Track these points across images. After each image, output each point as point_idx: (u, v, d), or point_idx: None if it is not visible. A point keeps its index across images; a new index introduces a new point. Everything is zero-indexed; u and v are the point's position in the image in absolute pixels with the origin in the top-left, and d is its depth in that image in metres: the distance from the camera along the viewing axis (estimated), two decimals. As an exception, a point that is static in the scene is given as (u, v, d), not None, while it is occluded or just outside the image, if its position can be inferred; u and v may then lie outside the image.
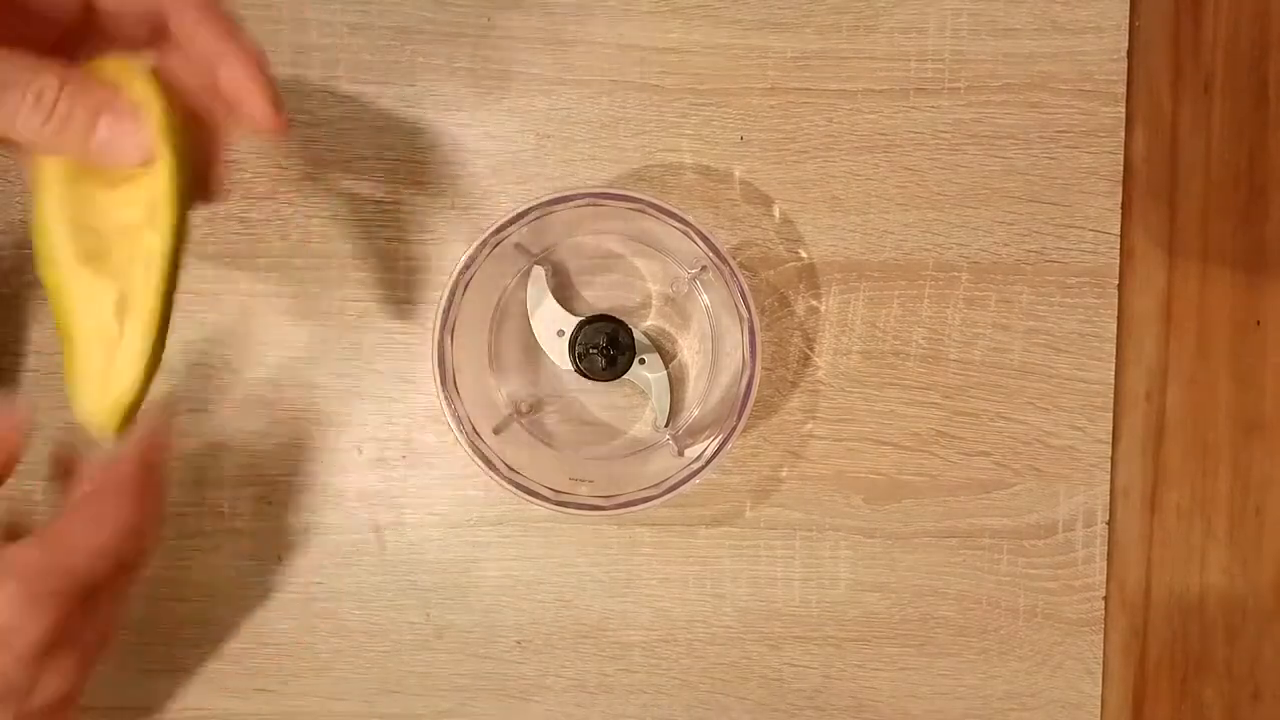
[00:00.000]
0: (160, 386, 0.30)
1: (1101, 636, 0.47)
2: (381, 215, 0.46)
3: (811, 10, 0.46)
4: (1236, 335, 0.40)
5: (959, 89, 0.46)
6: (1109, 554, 0.47)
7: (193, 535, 0.46)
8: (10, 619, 0.26)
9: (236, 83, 0.29)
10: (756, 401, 0.40)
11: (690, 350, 0.47)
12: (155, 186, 0.28)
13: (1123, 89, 0.46)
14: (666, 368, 0.46)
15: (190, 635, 0.46)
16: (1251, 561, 0.39)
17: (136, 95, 0.28)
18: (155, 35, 0.29)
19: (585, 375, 0.44)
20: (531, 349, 0.45)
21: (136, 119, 0.27)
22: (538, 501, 0.40)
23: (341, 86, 0.45)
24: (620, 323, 0.44)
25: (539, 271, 0.44)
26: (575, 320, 0.44)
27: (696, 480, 0.40)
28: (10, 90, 0.26)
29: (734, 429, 0.40)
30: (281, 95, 0.30)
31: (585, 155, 0.46)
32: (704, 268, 0.43)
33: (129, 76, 0.28)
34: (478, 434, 0.40)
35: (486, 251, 0.39)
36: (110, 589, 0.31)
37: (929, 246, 0.46)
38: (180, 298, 0.45)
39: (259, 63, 0.29)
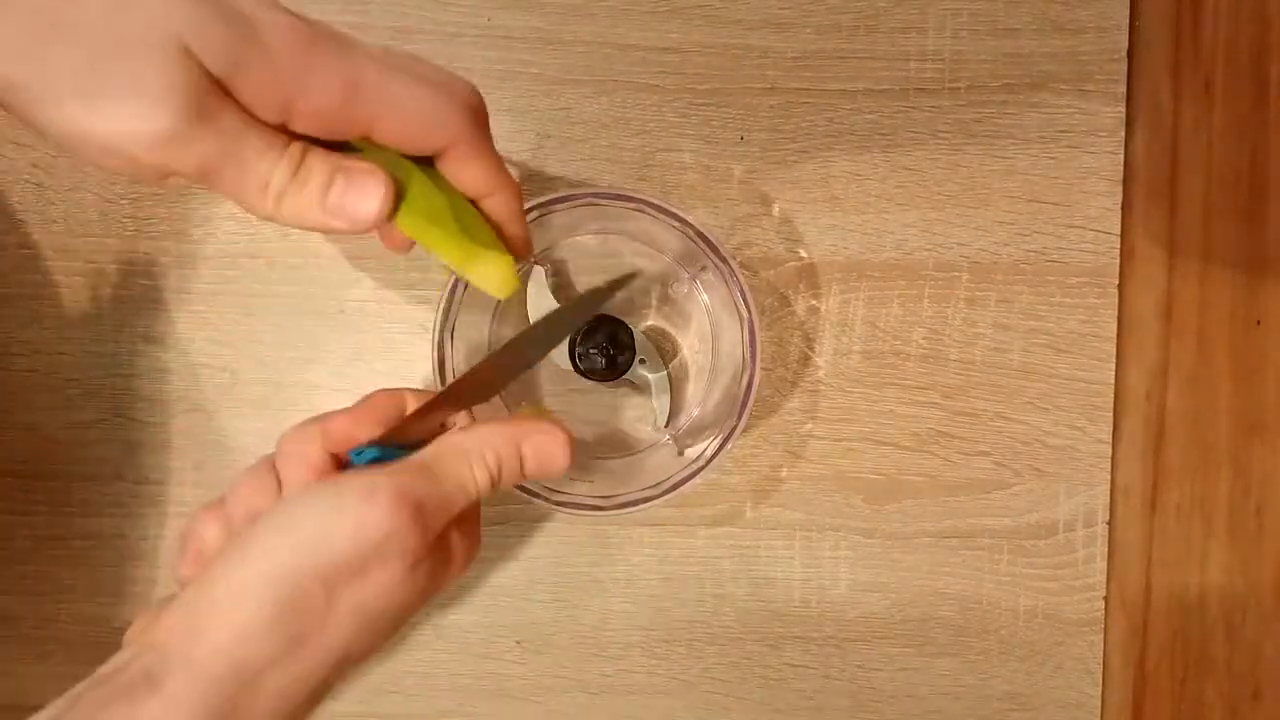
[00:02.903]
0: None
1: (1101, 636, 0.47)
2: (381, 215, 0.46)
3: (811, 10, 0.46)
4: (1236, 335, 0.40)
5: (959, 89, 0.46)
6: (1109, 554, 0.47)
7: (193, 535, 0.46)
8: (397, 531, 0.29)
9: (498, 215, 0.33)
10: (756, 401, 0.40)
11: (690, 350, 0.46)
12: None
13: (1123, 89, 0.46)
14: (666, 368, 0.46)
15: (190, 635, 0.46)
16: (1252, 561, 0.39)
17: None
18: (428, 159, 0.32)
19: (585, 375, 0.44)
20: (531, 349, 0.45)
21: (368, 183, 0.29)
22: (537, 501, 0.40)
23: (341, 86, 0.45)
24: (620, 323, 0.44)
25: (539, 271, 0.44)
26: (575, 320, 0.44)
27: (696, 480, 0.40)
28: (247, 174, 0.28)
29: (734, 429, 0.40)
30: (529, 231, 0.35)
31: (585, 155, 0.46)
32: (704, 268, 0.43)
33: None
34: (478, 434, 0.40)
35: (486, 251, 0.39)
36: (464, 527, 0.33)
37: (929, 246, 0.46)
38: (181, 297, 0.46)
39: (518, 204, 0.34)
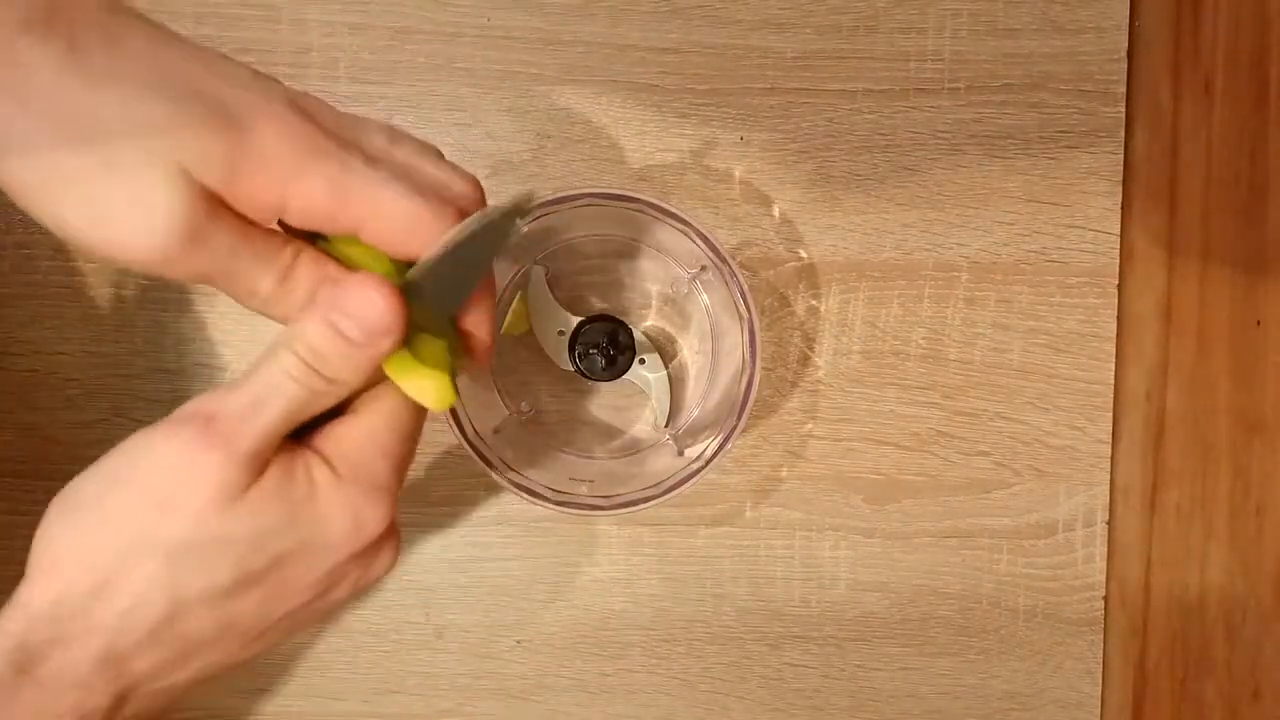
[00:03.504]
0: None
1: (1101, 636, 0.47)
2: (381, 215, 0.46)
3: (811, 10, 0.46)
4: (1236, 335, 0.40)
5: (959, 89, 0.46)
6: (1109, 554, 0.47)
7: (193, 535, 0.46)
8: (190, 459, 0.28)
9: (462, 323, 0.32)
10: (756, 401, 0.40)
11: (690, 350, 0.47)
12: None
13: (1123, 89, 0.46)
14: (666, 368, 0.46)
15: (190, 635, 0.46)
16: (1251, 561, 0.39)
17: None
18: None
19: (585, 375, 0.44)
20: (532, 349, 0.45)
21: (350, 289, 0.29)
22: (538, 501, 0.40)
23: (341, 86, 0.45)
24: (620, 323, 0.44)
25: (539, 271, 0.44)
26: (575, 320, 0.44)
27: (696, 480, 0.40)
28: (237, 283, 0.29)
29: (734, 429, 0.40)
30: (490, 348, 0.33)
31: (585, 155, 0.46)
32: (704, 268, 0.43)
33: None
34: (478, 434, 0.40)
35: (486, 251, 0.39)
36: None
37: (929, 246, 0.46)
38: (181, 297, 0.46)
39: (484, 319, 0.32)
